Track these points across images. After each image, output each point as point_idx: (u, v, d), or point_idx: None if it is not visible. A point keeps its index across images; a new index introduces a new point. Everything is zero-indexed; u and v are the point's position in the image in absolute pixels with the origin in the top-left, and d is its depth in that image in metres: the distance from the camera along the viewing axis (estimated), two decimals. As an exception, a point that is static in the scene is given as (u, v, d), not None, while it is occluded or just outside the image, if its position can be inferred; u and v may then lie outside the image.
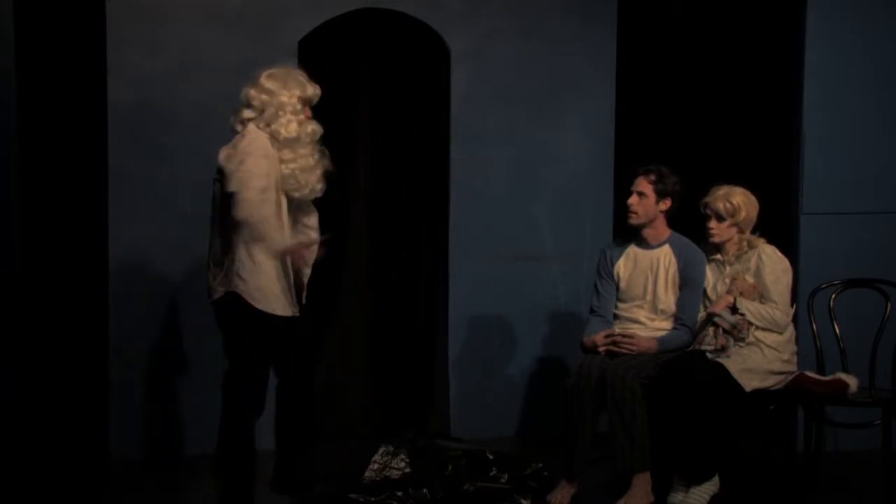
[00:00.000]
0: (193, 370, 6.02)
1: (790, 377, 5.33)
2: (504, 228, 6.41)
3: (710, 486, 5.14)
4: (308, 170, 4.78)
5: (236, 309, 4.76)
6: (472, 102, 6.33)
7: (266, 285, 4.73)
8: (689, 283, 5.38)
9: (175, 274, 5.97)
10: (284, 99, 4.75)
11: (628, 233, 5.54)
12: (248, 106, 4.77)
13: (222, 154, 4.74)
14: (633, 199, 5.41)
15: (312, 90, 4.83)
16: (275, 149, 4.73)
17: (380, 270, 6.53)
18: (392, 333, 6.58)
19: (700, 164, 6.01)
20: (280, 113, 4.73)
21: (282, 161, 4.73)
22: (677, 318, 5.39)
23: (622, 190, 5.65)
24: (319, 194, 4.90)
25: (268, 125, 4.74)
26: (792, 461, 5.72)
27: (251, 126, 4.75)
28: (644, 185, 5.38)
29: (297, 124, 4.75)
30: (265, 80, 4.78)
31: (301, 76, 4.85)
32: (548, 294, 6.47)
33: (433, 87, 6.43)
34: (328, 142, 6.22)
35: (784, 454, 5.80)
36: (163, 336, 5.97)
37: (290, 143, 4.73)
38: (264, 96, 4.75)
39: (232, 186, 4.62)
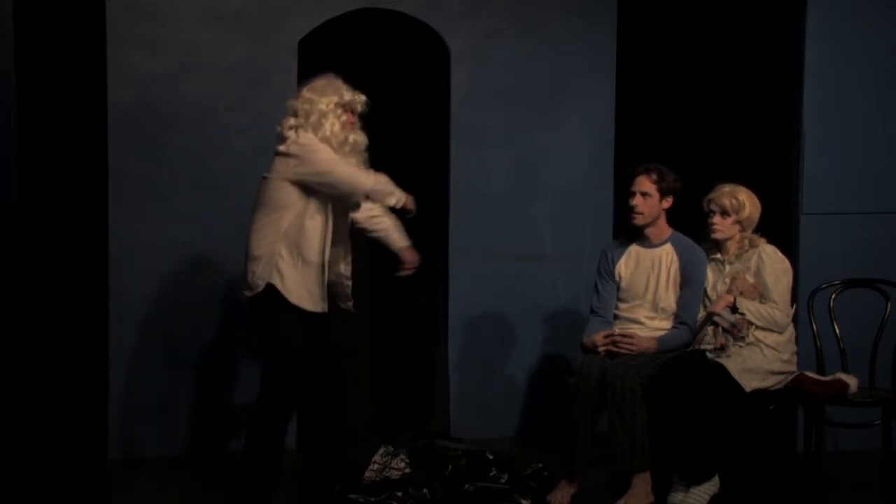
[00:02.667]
0: (193, 370, 6.02)
1: (790, 377, 5.33)
2: (504, 228, 6.41)
3: (710, 486, 5.14)
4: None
5: (274, 301, 4.76)
6: (472, 102, 6.33)
7: (301, 281, 4.77)
8: (689, 282, 5.38)
9: (175, 274, 5.97)
10: (323, 107, 4.84)
11: (629, 232, 5.54)
12: (294, 115, 4.86)
13: (284, 147, 4.81)
14: (637, 200, 5.39)
15: (350, 95, 4.90)
16: None
17: (379, 270, 6.53)
18: (392, 334, 6.58)
19: (700, 164, 6.01)
20: (323, 120, 4.83)
21: None
22: (677, 317, 5.39)
23: (622, 190, 5.65)
24: (362, 203, 5.00)
25: (314, 130, 4.83)
26: (792, 461, 5.72)
27: (301, 131, 4.83)
28: (647, 184, 5.38)
29: (339, 126, 4.85)
30: (306, 92, 4.89)
31: (339, 83, 4.92)
32: (548, 294, 6.47)
33: (433, 87, 6.43)
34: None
35: (784, 454, 5.80)
36: (163, 336, 5.97)
37: (340, 146, 4.84)
38: (306, 106, 4.85)
39: (323, 177, 4.77)
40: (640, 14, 6.55)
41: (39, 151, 6.02)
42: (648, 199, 5.39)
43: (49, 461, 5.80)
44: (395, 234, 5.24)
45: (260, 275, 4.76)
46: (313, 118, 4.82)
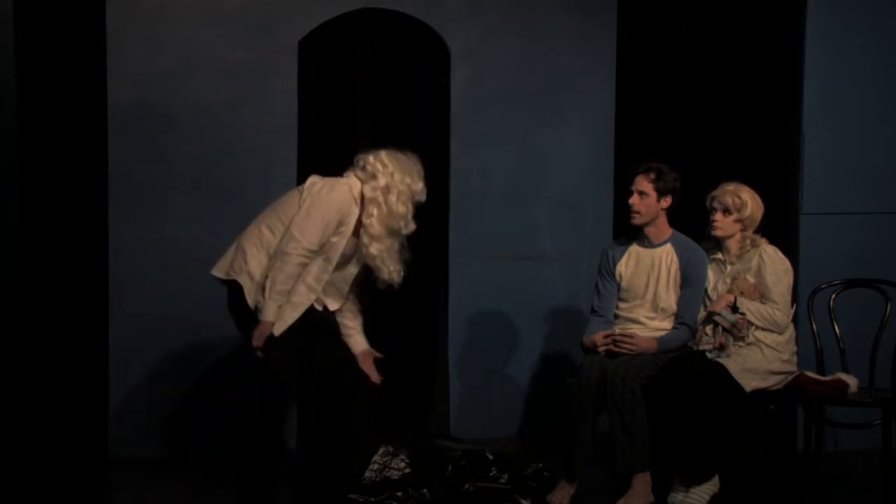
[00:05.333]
0: (193, 370, 6.02)
1: (790, 377, 5.33)
2: (504, 228, 6.41)
3: (710, 486, 5.14)
4: (391, 256, 4.87)
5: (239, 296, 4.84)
6: (472, 102, 6.33)
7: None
8: (690, 282, 5.37)
9: (175, 273, 5.97)
10: (397, 178, 4.80)
11: (630, 232, 5.54)
12: (363, 168, 4.82)
13: (310, 180, 4.81)
14: (634, 199, 5.39)
15: (423, 187, 4.87)
16: (357, 208, 4.78)
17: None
18: (392, 333, 6.57)
19: (700, 164, 6.01)
20: (393, 191, 4.79)
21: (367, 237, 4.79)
22: (678, 317, 5.38)
23: (622, 190, 5.65)
24: (398, 280, 4.97)
25: (366, 182, 4.78)
26: (792, 461, 5.72)
27: (352, 178, 4.81)
28: (644, 183, 5.37)
29: (404, 207, 4.82)
30: (385, 155, 4.85)
31: (419, 169, 4.88)
32: (548, 294, 6.47)
33: (433, 87, 6.43)
34: (329, 142, 6.24)
35: (784, 454, 5.80)
36: (163, 336, 5.97)
37: (392, 221, 4.80)
38: (378, 166, 4.81)
39: (295, 219, 4.71)
40: (640, 14, 6.55)
41: (39, 151, 6.02)
42: (646, 198, 5.38)
43: (49, 461, 5.80)
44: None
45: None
46: (380, 179, 4.76)
